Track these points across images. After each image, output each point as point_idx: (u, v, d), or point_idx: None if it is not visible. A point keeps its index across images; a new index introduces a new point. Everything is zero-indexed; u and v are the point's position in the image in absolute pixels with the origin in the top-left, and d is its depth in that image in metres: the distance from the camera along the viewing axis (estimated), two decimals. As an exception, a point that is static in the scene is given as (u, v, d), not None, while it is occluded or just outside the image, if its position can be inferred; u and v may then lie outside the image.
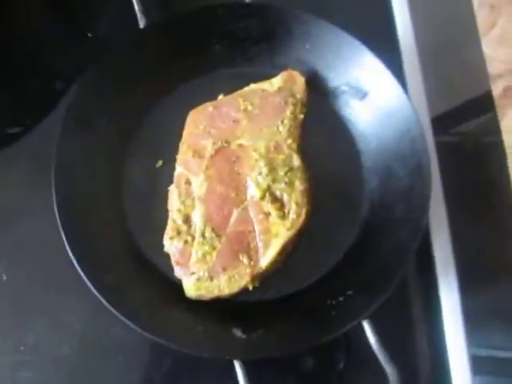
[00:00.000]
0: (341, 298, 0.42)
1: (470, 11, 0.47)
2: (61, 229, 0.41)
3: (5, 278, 0.45)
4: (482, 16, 0.46)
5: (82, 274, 0.39)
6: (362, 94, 0.49)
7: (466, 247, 0.48)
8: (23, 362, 0.43)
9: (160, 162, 0.48)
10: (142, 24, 0.48)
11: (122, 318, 0.38)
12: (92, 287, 0.39)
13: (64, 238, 0.40)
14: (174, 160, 0.46)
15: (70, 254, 0.40)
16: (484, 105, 0.49)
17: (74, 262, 0.39)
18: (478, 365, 0.43)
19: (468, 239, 0.49)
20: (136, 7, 0.48)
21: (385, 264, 0.42)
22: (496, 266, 0.47)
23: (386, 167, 0.47)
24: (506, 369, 0.45)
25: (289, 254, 0.44)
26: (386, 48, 0.53)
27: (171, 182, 0.45)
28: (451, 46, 0.53)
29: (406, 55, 0.54)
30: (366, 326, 0.39)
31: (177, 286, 0.42)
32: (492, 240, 0.48)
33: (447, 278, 0.47)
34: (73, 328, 0.44)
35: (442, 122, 0.54)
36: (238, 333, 0.40)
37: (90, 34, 0.54)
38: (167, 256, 0.43)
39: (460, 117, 0.54)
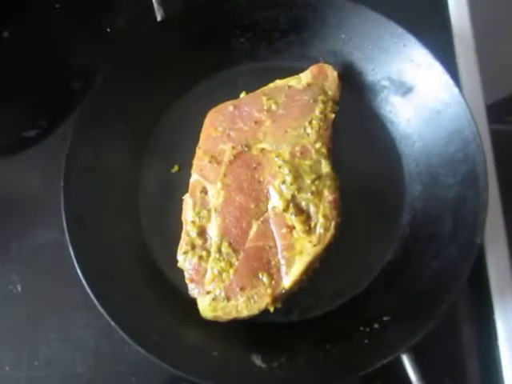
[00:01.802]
0: (376, 325, 0.38)
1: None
2: (70, 247, 0.38)
3: (19, 289, 0.44)
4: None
5: (91, 294, 0.37)
6: (405, 90, 0.43)
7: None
8: (37, 378, 0.42)
9: (176, 168, 0.45)
10: (159, 16, 0.45)
11: (132, 342, 0.35)
12: (101, 309, 0.36)
13: (73, 256, 0.38)
14: (191, 165, 0.43)
15: (79, 272, 0.38)
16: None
17: (83, 281, 0.37)
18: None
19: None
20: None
21: (429, 287, 0.37)
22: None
23: (431, 173, 0.42)
24: None
25: (315, 271, 0.40)
26: (436, 33, 0.48)
27: (187, 188, 0.42)
28: (509, 29, 0.45)
29: (459, 40, 0.47)
30: (406, 360, 0.34)
31: (192, 304, 0.39)
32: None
33: (504, 302, 0.40)
34: (86, 344, 0.43)
35: (497, 111, 0.47)
36: (257, 361, 0.37)
37: (108, 29, 0.51)
38: (181, 272, 0.40)
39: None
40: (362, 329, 0.37)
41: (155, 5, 0.45)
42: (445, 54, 0.45)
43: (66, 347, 0.43)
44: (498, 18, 0.49)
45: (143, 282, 0.41)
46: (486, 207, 0.37)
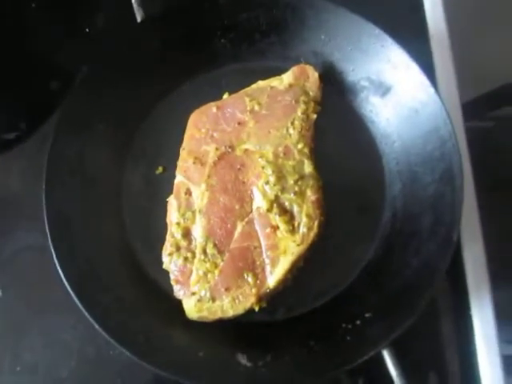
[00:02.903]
0: (358, 322, 0.38)
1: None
2: (52, 248, 0.38)
3: (0, 293, 0.43)
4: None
5: (74, 296, 0.37)
6: (384, 90, 0.44)
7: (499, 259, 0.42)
8: (21, 382, 0.41)
9: (160, 169, 0.45)
10: (139, 17, 0.45)
11: (116, 344, 0.35)
12: (85, 311, 0.36)
13: (55, 258, 0.38)
14: (175, 166, 0.43)
15: (61, 274, 0.38)
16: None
17: (66, 283, 0.37)
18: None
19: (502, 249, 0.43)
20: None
21: (409, 284, 0.38)
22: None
23: (410, 171, 0.43)
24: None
25: (299, 269, 0.40)
26: (413, 35, 0.49)
27: (171, 189, 0.42)
28: (485, 31, 0.46)
29: (436, 41, 0.49)
30: (387, 356, 0.35)
31: (177, 306, 0.39)
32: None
33: (480, 298, 0.41)
34: (70, 348, 0.42)
35: (472, 109, 0.48)
36: (242, 360, 0.37)
37: (87, 29, 0.50)
38: (166, 273, 0.40)
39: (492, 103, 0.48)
40: (344, 326, 0.38)
41: (135, 6, 0.44)
42: (421, 54, 0.46)
43: (50, 351, 0.42)
44: (472, 19, 0.50)
45: (128, 284, 0.41)
46: (461, 204, 0.38)
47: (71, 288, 0.37)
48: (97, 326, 0.36)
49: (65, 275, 0.37)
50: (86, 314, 0.36)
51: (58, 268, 0.37)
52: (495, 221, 0.45)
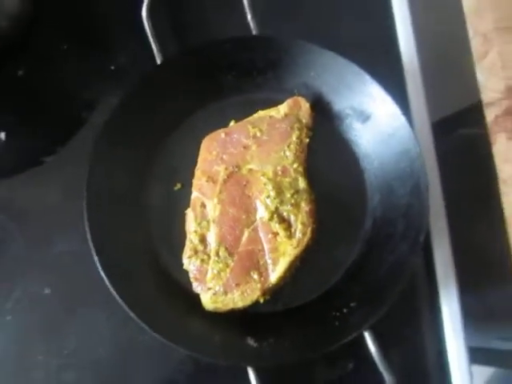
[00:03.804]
0: (345, 310, 0.46)
1: (467, 37, 0.49)
2: (92, 249, 0.45)
3: (48, 291, 0.51)
4: (475, 44, 0.48)
5: (111, 289, 0.44)
6: (365, 117, 0.52)
7: (466, 257, 0.51)
8: (67, 364, 0.49)
9: (178, 186, 0.52)
10: (158, 60, 0.52)
11: (148, 329, 0.43)
12: (122, 302, 0.44)
13: (95, 258, 0.45)
14: (191, 184, 0.50)
15: (101, 272, 0.45)
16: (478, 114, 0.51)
17: (105, 279, 0.44)
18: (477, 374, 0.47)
19: (469, 248, 0.51)
20: (153, 45, 0.52)
21: (385, 278, 0.46)
22: (494, 273, 0.50)
23: (387, 185, 0.50)
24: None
25: (296, 269, 0.48)
26: (389, 71, 0.56)
27: (189, 203, 0.50)
28: (450, 65, 0.55)
29: (409, 75, 0.56)
30: (367, 336, 0.43)
31: (196, 299, 0.47)
32: (489, 249, 0.50)
33: (448, 289, 0.50)
34: (106, 335, 0.50)
35: (441, 128, 0.57)
36: (251, 342, 0.45)
37: (112, 67, 0.58)
38: (186, 273, 0.48)
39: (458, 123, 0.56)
40: (333, 314, 0.46)
41: (155, 50, 0.52)
42: (396, 86, 0.54)
43: (90, 338, 0.50)
44: (442, 56, 0.59)
45: (154, 283, 0.48)
46: (428, 213, 0.46)
47: (110, 284, 0.44)
48: (132, 315, 0.43)
49: (105, 275, 0.44)
50: (123, 304, 0.44)
51: (100, 269, 0.44)
52: (462, 224, 0.54)
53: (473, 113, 0.54)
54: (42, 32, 0.60)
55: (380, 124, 0.51)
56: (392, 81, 0.53)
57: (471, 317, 0.49)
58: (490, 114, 0.46)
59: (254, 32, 0.53)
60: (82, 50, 0.60)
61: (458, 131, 0.61)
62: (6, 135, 0.57)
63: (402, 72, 0.56)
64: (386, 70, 0.54)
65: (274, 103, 0.53)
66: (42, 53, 0.60)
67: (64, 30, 0.60)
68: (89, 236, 0.46)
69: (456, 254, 0.49)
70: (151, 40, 0.52)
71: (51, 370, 0.50)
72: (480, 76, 0.47)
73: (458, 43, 0.54)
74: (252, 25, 0.53)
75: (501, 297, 0.47)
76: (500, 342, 0.54)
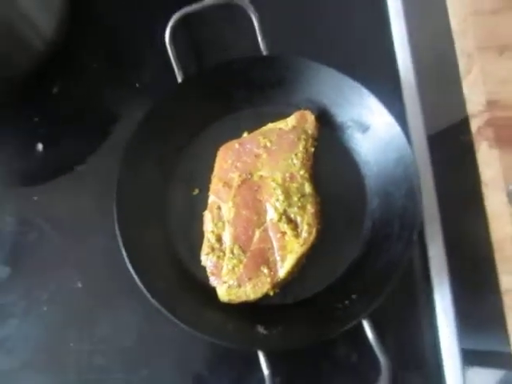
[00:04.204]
0: (346, 302, 0.50)
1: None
2: (121, 246, 0.51)
3: (80, 285, 0.57)
4: (462, 62, 0.53)
5: (138, 282, 0.49)
6: (364, 128, 0.57)
7: (458, 254, 0.55)
8: (96, 351, 0.55)
9: (196, 191, 0.57)
10: (179, 78, 0.58)
11: (171, 317, 0.48)
12: (147, 294, 0.49)
13: (124, 255, 0.51)
14: (208, 189, 0.56)
15: (129, 266, 0.50)
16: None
17: (133, 273, 0.50)
18: (468, 358, 0.51)
19: (460, 248, 0.56)
20: (174, 65, 0.58)
21: (382, 273, 0.50)
22: (483, 267, 0.54)
23: (384, 190, 0.55)
24: (494, 362, 0.52)
25: (303, 265, 0.53)
26: (387, 85, 0.61)
27: (206, 207, 0.55)
28: (445, 78, 0.60)
29: (407, 89, 0.61)
30: (365, 324, 0.48)
31: (212, 292, 0.52)
32: (480, 249, 0.54)
33: (441, 284, 0.54)
34: (132, 325, 0.55)
35: (438, 138, 0.61)
36: (261, 329, 0.50)
37: (137, 85, 0.65)
38: (204, 268, 0.53)
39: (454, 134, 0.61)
40: (337, 305, 0.50)
41: (176, 70, 0.57)
42: (394, 99, 0.58)
43: (117, 327, 0.55)
44: (438, 69, 0.63)
45: (175, 277, 0.53)
46: (421, 213, 0.51)
47: (138, 277, 0.49)
48: (156, 305, 0.48)
49: (133, 270, 0.50)
50: (149, 296, 0.49)
51: (128, 264, 0.50)
52: (455, 224, 0.58)
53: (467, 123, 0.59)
54: (75, 53, 0.67)
55: (378, 134, 0.55)
56: (389, 94, 0.58)
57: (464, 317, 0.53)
58: (474, 125, 0.51)
59: (264, 52, 0.58)
60: (110, 70, 0.67)
61: (456, 139, 0.65)
62: (43, 147, 0.64)
63: (399, 86, 0.61)
64: (383, 84, 0.58)
65: (283, 116, 0.58)
66: (75, 72, 0.66)
67: (94, 52, 0.67)
68: (118, 235, 0.52)
69: (448, 249, 0.54)
70: (173, 61, 0.58)
71: (82, 355, 0.56)
72: (465, 90, 0.52)
73: (453, 59, 0.59)
74: (262, 46, 0.58)
75: (489, 292, 0.52)
76: (492, 343, 0.57)
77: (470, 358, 0.51)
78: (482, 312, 0.53)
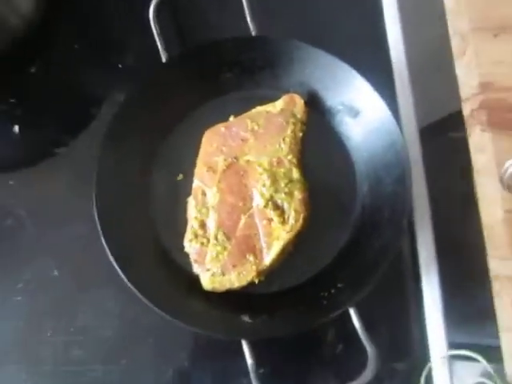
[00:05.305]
0: (332, 290, 0.49)
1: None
2: (101, 233, 0.49)
3: (56, 273, 0.55)
4: (455, 43, 0.51)
5: (118, 270, 0.48)
6: (355, 113, 0.55)
7: (447, 246, 0.54)
8: (74, 342, 0.53)
9: (181, 176, 0.55)
10: (164, 58, 0.56)
11: (152, 306, 0.47)
12: (127, 281, 0.47)
13: (103, 241, 0.49)
14: (193, 174, 0.54)
15: (109, 253, 0.48)
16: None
17: (112, 260, 0.48)
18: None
19: (449, 240, 0.55)
20: (159, 45, 0.56)
21: (370, 262, 0.49)
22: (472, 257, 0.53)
23: (375, 175, 0.54)
24: (482, 353, 0.51)
25: (289, 253, 0.52)
26: (378, 69, 0.60)
27: (190, 192, 0.53)
28: (438, 67, 0.58)
29: (398, 75, 0.60)
30: (352, 313, 0.47)
31: (196, 280, 0.51)
32: (469, 242, 0.54)
33: (429, 274, 0.53)
34: (112, 313, 0.53)
35: (431, 131, 0.60)
36: (245, 318, 0.48)
37: (120, 65, 0.62)
38: (187, 255, 0.51)
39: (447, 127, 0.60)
40: (322, 294, 0.49)
41: (160, 49, 0.55)
42: (385, 85, 0.57)
43: (96, 316, 0.53)
44: (429, 56, 0.62)
45: (157, 265, 0.51)
46: (410, 199, 0.50)
47: (117, 265, 0.47)
48: (137, 294, 0.46)
49: (113, 257, 0.48)
50: (129, 284, 0.47)
51: (108, 252, 0.48)
52: (445, 211, 0.57)
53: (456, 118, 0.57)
54: (54, 32, 0.64)
55: (369, 119, 0.54)
56: (381, 79, 0.56)
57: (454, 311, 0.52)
58: (466, 109, 0.50)
59: (253, 33, 0.56)
60: (91, 50, 0.64)
61: (447, 134, 0.64)
62: (19, 128, 0.61)
63: (391, 71, 0.60)
64: (375, 68, 0.57)
65: (271, 100, 0.56)
66: (54, 52, 0.64)
67: (75, 31, 0.64)
68: (97, 222, 0.49)
69: (437, 240, 0.53)
70: (157, 40, 0.56)
71: (58, 346, 0.53)
72: (459, 72, 0.51)
73: (446, 44, 0.57)
74: (251, 26, 0.57)
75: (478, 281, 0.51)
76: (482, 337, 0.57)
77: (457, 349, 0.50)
78: (471, 304, 0.52)
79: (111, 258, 0.48)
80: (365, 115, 0.55)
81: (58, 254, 0.56)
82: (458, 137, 0.59)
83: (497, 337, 0.47)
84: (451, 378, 0.50)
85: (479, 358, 0.49)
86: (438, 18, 0.58)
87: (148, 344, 0.53)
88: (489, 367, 0.50)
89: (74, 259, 0.56)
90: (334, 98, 0.56)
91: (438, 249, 0.54)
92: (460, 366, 0.51)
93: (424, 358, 0.51)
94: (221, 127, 0.55)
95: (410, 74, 0.60)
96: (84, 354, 0.53)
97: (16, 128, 0.61)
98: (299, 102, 0.56)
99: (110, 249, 0.49)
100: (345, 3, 0.64)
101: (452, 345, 0.50)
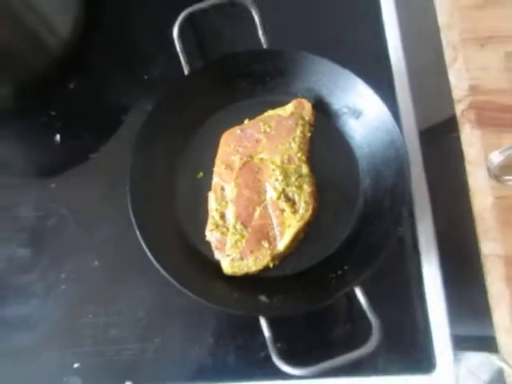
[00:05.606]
0: (339, 272, 0.54)
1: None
2: (135, 226, 0.55)
3: (97, 263, 0.62)
4: (447, 52, 0.57)
5: (151, 258, 0.53)
6: (357, 114, 0.61)
7: (445, 232, 0.59)
8: (111, 322, 0.59)
9: (201, 174, 0.60)
10: (186, 71, 0.63)
11: (182, 288, 0.52)
12: (160, 268, 0.53)
13: (138, 233, 0.54)
14: (212, 172, 0.60)
15: (143, 244, 0.54)
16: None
17: (146, 250, 0.53)
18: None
19: (447, 226, 0.60)
20: (181, 59, 0.63)
21: (374, 246, 0.54)
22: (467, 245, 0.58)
23: (376, 169, 0.59)
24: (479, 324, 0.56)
25: (300, 240, 0.57)
26: (379, 74, 0.65)
27: (210, 188, 0.59)
28: (436, 71, 0.64)
29: (398, 79, 0.65)
30: (358, 291, 0.52)
31: (217, 265, 0.56)
32: (465, 229, 0.58)
33: (428, 257, 0.58)
34: (145, 298, 0.60)
35: (430, 134, 0.65)
36: (263, 298, 0.53)
37: (146, 77, 0.70)
38: (209, 244, 0.57)
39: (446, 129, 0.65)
40: (331, 275, 0.54)
41: (183, 63, 0.62)
42: (386, 88, 0.63)
43: (131, 300, 0.59)
44: (427, 61, 0.68)
45: (183, 253, 0.57)
46: (409, 190, 0.55)
47: (151, 255, 0.53)
48: (170, 279, 0.51)
49: (146, 246, 0.53)
50: (162, 271, 0.52)
51: (141, 242, 0.53)
52: (444, 198, 0.62)
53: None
54: (88, 50, 0.72)
55: (370, 119, 0.59)
56: (381, 83, 0.62)
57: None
58: (458, 109, 0.55)
59: (265, 46, 0.63)
60: (121, 66, 0.72)
61: (447, 135, 0.69)
62: (60, 137, 0.69)
63: (391, 77, 0.65)
64: (376, 74, 0.63)
65: (282, 105, 0.62)
66: (89, 69, 0.72)
67: (106, 48, 0.72)
68: (132, 217, 0.55)
69: (436, 225, 0.58)
70: (180, 55, 0.63)
71: (99, 327, 0.60)
72: (451, 77, 0.57)
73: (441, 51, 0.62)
74: (263, 40, 0.63)
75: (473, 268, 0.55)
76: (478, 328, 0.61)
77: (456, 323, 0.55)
78: (470, 283, 0.57)
79: (145, 248, 0.54)
80: (367, 116, 0.60)
81: (97, 247, 0.62)
82: (458, 137, 0.63)
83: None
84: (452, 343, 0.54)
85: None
86: (435, 30, 0.63)
87: (177, 324, 0.59)
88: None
89: (111, 251, 0.61)
90: (338, 102, 0.62)
91: (437, 233, 0.58)
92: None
93: (425, 328, 0.55)
94: (237, 129, 0.60)
95: (408, 79, 0.65)
96: (121, 334, 0.59)
97: (57, 137, 0.68)
98: (307, 106, 0.62)
99: (143, 240, 0.54)
100: (348, 16, 0.70)
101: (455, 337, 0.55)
